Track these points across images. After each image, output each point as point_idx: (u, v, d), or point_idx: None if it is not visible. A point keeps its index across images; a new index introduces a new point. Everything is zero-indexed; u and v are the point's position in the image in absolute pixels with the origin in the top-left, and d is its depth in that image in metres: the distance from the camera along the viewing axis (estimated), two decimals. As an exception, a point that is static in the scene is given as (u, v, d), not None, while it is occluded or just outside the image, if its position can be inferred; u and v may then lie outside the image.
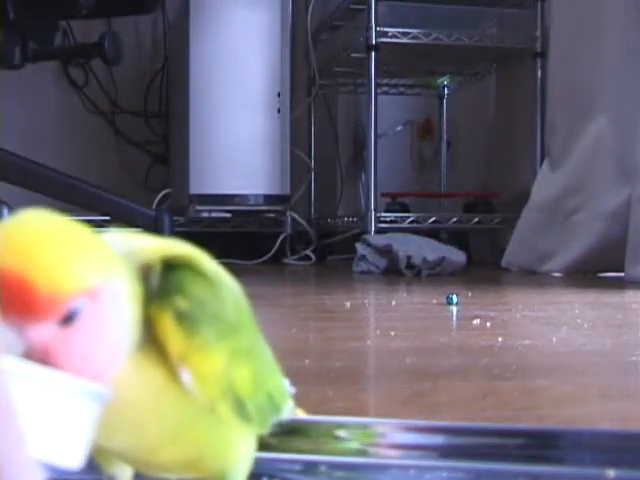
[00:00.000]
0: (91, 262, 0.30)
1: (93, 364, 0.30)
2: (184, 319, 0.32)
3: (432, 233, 2.45)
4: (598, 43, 2.11)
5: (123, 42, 2.11)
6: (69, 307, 0.29)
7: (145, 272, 0.32)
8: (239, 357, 0.34)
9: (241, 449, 0.36)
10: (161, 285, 0.32)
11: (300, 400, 0.72)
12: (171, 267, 0.32)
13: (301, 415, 0.44)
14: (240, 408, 0.34)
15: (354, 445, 0.49)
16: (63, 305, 0.29)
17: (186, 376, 0.32)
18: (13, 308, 0.28)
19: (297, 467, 0.47)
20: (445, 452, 0.49)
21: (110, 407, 0.31)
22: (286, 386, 0.41)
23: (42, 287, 0.28)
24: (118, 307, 0.31)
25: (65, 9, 2.04)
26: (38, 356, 0.28)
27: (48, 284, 0.28)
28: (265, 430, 0.37)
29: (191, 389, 0.32)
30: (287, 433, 0.48)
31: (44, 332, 0.29)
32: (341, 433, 0.49)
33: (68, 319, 0.29)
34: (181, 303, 0.32)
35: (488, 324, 1.13)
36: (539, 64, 2.43)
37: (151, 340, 0.32)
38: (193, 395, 0.32)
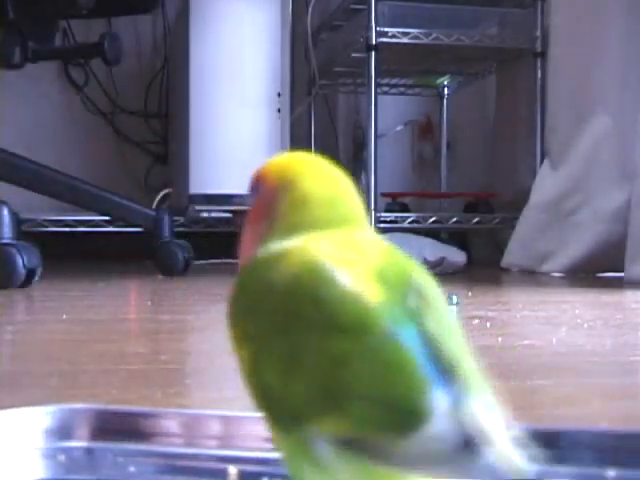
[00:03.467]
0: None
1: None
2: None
3: (432, 233, 2.45)
4: (598, 43, 2.11)
5: (123, 42, 2.11)
6: (253, 184, 0.37)
7: None
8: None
9: None
10: None
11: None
12: None
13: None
14: None
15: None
16: (253, 181, 0.37)
17: None
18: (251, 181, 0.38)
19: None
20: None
21: None
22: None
23: (260, 171, 0.37)
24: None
25: (65, 9, 2.04)
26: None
27: (263, 171, 0.37)
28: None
29: None
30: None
31: (251, 197, 0.38)
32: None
33: (252, 190, 0.38)
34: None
35: (488, 324, 1.13)
36: (539, 64, 2.42)
37: None
38: None
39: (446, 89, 2.95)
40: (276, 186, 0.35)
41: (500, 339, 0.99)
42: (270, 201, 0.35)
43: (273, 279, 0.31)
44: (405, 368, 0.29)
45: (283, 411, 0.31)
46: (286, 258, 0.32)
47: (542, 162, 2.34)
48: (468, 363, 0.31)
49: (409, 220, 2.41)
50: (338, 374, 0.29)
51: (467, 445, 0.28)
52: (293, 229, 0.33)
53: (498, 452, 0.28)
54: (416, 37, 2.35)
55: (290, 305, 0.31)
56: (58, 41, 2.36)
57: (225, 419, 0.49)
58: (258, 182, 0.37)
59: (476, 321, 1.16)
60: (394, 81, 2.90)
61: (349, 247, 0.32)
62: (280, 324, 0.31)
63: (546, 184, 2.25)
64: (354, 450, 0.29)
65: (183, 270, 2.07)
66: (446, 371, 0.29)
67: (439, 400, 0.29)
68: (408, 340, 0.29)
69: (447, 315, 0.32)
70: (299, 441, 0.30)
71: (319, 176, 0.35)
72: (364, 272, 0.31)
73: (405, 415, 0.29)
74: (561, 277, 2.11)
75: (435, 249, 2.15)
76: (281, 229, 0.33)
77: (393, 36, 2.34)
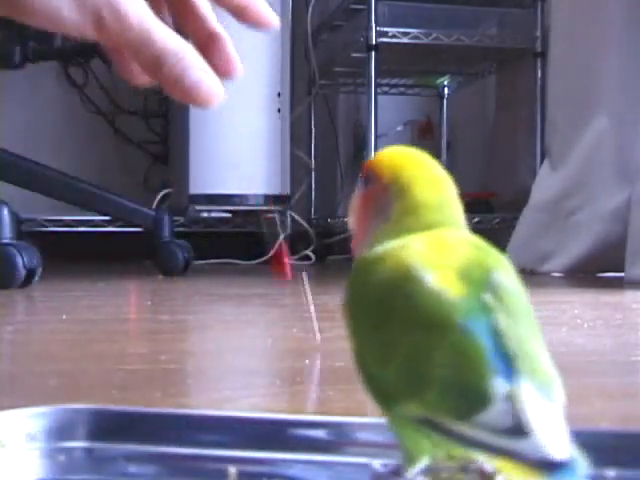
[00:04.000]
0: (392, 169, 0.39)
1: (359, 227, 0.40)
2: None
3: (432, 233, 2.44)
4: (598, 43, 2.11)
5: (123, 42, 2.11)
6: (367, 174, 0.39)
7: None
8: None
9: None
10: None
11: (300, 400, 0.72)
12: None
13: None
14: None
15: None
16: (367, 171, 0.40)
17: None
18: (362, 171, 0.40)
19: (297, 467, 0.47)
20: (445, 452, 0.48)
21: None
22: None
23: (374, 162, 0.40)
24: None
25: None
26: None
27: (378, 164, 0.39)
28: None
29: None
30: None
31: (362, 187, 0.40)
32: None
33: (364, 179, 0.40)
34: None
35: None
36: (539, 64, 2.43)
37: None
38: None
39: (446, 89, 2.95)
40: (390, 187, 0.38)
41: (500, 339, 0.99)
42: (382, 199, 0.39)
43: (374, 279, 0.36)
44: (472, 359, 0.32)
45: (381, 395, 0.35)
46: (385, 260, 0.36)
47: (542, 162, 2.34)
48: (534, 354, 0.33)
49: (409, 220, 2.41)
50: (418, 363, 0.33)
51: (516, 430, 0.31)
52: (403, 232, 0.37)
53: (540, 438, 0.31)
54: (416, 37, 2.35)
55: (385, 302, 0.35)
56: (58, 41, 2.36)
57: (225, 419, 0.49)
58: (371, 173, 0.40)
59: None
60: (394, 81, 2.90)
61: (441, 248, 0.36)
62: (376, 319, 0.35)
63: (546, 184, 2.25)
64: (430, 428, 0.33)
65: (183, 270, 2.07)
66: (508, 361, 0.32)
67: (499, 387, 0.32)
68: (478, 333, 0.33)
69: (520, 309, 0.34)
70: (398, 419, 0.35)
71: (430, 182, 0.38)
72: (448, 272, 0.34)
73: (468, 400, 0.32)
74: (561, 277, 2.11)
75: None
76: (393, 232, 0.37)
77: (393, 36, 2.34)
